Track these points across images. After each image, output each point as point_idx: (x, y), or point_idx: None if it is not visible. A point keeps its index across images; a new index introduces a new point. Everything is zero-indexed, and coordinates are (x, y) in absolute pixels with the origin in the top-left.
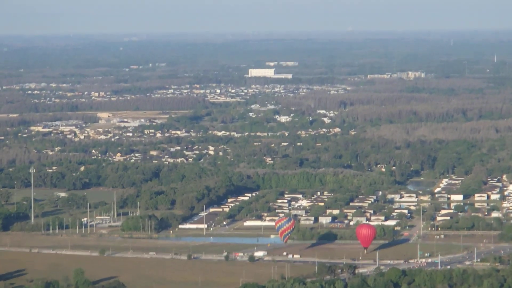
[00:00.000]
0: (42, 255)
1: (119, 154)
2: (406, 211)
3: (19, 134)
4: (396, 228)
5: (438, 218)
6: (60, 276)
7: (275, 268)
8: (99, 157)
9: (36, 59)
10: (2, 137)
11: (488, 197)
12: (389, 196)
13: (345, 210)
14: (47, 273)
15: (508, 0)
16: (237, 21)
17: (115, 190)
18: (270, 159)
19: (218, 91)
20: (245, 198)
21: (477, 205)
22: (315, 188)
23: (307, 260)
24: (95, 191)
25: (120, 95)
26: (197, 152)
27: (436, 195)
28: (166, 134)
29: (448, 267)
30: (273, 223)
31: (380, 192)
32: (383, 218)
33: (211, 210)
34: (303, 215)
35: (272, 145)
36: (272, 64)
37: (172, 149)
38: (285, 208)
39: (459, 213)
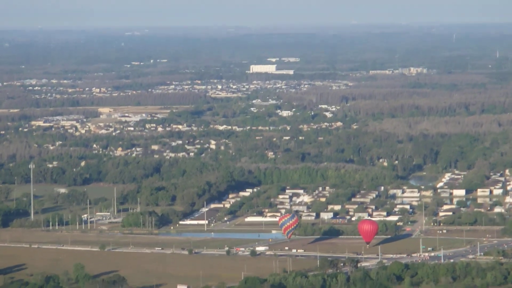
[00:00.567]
0: (42, 250)
1: (120, 149)
2: (408, 207)
3: (20, 129)
4: (398, 224)
5: (441, 214)
6: (60, 270)
7: (277, 262)
8: (100, 152)
9: (37, 55)
10: (3, 132)
11: (491, 192)
12: (391, 192)
13: (346, 206)
14: (47, 268)
15: None
16: (239, 16)
17: (115, 185)
18: (272, 153)
19: (220, 86)
20: (246, 194)
21: (479, 200)
22: (316, 183)
23: (309, 255)
24: (96, 186)
25: (121, 91)
26: (198, 146)
27: (439, 190)
28: (168, 129)
29: (451, 260)
30: (274, 219)
31: (382, 187)
32: (385, 213)
33: (212, 206)
34: (305, 211)
35: (274, 139)
36: (273, 60)
37: (173, 144)
38: (286, 204)
39: (462, 208)
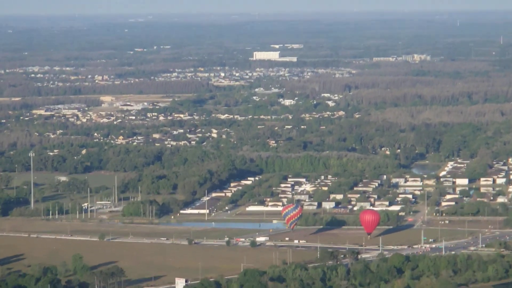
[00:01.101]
0: (41, 240)
1: (121, 137)
2: (410, 196)
3: (21, 118)
4: (400, 214)
5: (443, 204)
6: (58, 261)
7: (277, 254)
8: (101, 140)
9: (40, 41)
10: (4, 121)
11: (494, 181)
12: (394, 180)
13: (349, 195)
14: (45, 258)
15: None
16: (243, 2)
17: (116, 173)
18: (274, 142)
19: (223, 74)
20: (248, 183)
21: (482, 189)
22: (318, 172)
23: (309, 246)
24: (97, 175)
25: (124, 78)
26: (200, 135)
27: (441, 179)
28: (169, 118)
29: (453, 252)
30: (275, 208)
31: (385, 176)
32: (387, 203)
33: (213, 195)
34: (307, 200)
35: (276, 128)
36: (277, 46)
37: (175, 132)
38: (288, 193)
39: (464, 198)
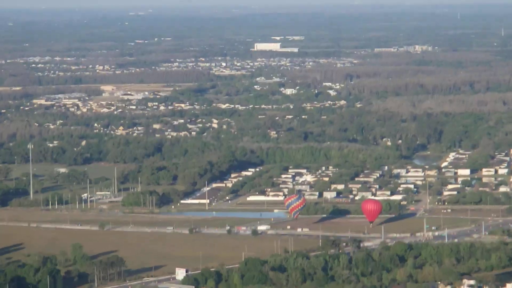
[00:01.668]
0: (41, 229)
1: (121, 128)
2: (412, 186)
3: (21, 107)
4: (402, 203)
5: (445, 193)
6: (58, 250)
7: (278, 242)
8: (101, 131)
9: (41, 33)
10: (4, 110)
11: (496, 171)
12: (395, 171)
13: (350, 185)
14: (45, 248)
15: None
16: None
17: (116, 165)
18: (275, 132)
19: (224, 64)
20: (249, 174)
21: (484, 179)
22: (319, 163)
23: (311, 234)
24: (96, 166)
25: (125, 68)
26: (200, 125)
27: (443, 170)
28: (170, 107)
29: (456, 240)
30: (276, 198)
31: (386, 167)
32: (388, 193)
33: (214, 185)
34: (308, 190)
35: (277, 118)
36: (278, 38)
37: (175, 123)
38: (289, 183)
39: (466, 188)
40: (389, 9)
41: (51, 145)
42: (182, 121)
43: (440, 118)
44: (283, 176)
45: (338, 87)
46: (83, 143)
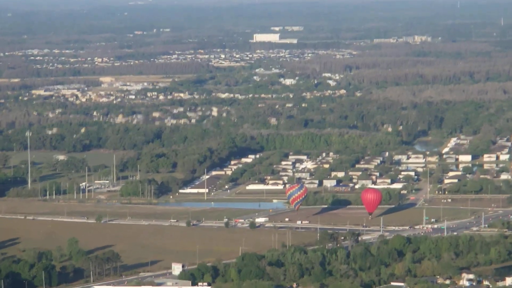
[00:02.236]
0: (37, 222)
1: (120, 116)
2: (413, 173)
3: (20, 98)
4: (402, 192)
5: (446, 181)
6: (54, 244)
7: (276, 236)
8: (101, 119)
9: (40, 25)
10: (2, 100)
11: (497, 157)
12: (396, 157)
13: (350, 173)
14: (41, 242)
15: None
16: None
17: (115, 152)
18: (275, 119)
19: (223, 56)
20: (249, 160)
21: (486, 166)
22: (320, 149)
23: (310, 227)
24: (96, 153)
25: (124, 60)
26: (200, 113)
27: (444, 156)
28: (169, 97)
29: (455, 233)
30: (276, 187)
31: (387, 153)
32: (389, 181)
33: (213, 173)
34: (308, 178)
35: (277, 106)
36: (277, 29)
37: (175, 111)
38: (289, 170)
39: (468, 175)
40: None
41: (50, 132)
42: (181, 109)
43: (441, 106)
44: (283, 163)
45: (337, 77)
46: (83, 130)
